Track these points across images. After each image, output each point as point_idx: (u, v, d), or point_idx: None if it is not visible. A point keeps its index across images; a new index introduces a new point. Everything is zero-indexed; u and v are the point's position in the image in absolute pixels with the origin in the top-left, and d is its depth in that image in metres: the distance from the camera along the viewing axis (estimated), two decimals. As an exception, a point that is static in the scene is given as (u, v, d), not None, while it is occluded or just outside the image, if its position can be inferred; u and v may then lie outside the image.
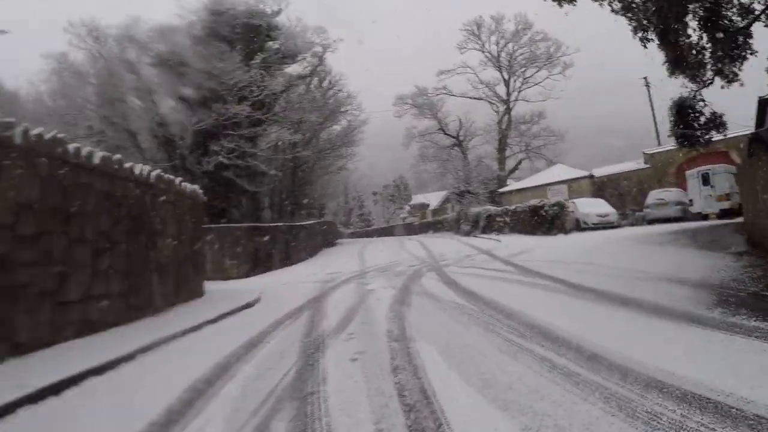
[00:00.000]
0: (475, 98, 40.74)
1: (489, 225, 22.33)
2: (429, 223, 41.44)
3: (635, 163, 26.37)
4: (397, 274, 11.37)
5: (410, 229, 49.10)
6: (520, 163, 40.20)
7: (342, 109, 28.80)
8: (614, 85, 76.88)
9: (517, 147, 40.46)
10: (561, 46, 37.21)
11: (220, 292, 10.26)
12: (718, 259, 7.65)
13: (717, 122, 10.14)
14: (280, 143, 23.88)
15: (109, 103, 19.11)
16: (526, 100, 40.12)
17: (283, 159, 24.98)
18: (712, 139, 10.59)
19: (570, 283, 7.01)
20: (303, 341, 5.31)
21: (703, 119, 10.20)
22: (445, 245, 18.95)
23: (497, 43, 39.38)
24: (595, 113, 63.44)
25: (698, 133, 10.12)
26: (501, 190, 32.83)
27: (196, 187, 10.40)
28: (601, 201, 21.70)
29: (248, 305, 8.57)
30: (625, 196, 24.90)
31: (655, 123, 27.98)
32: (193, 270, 9.57)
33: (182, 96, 19.86)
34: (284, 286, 12.06)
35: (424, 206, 64.54)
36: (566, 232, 18.99)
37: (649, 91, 28.33)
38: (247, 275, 15.47)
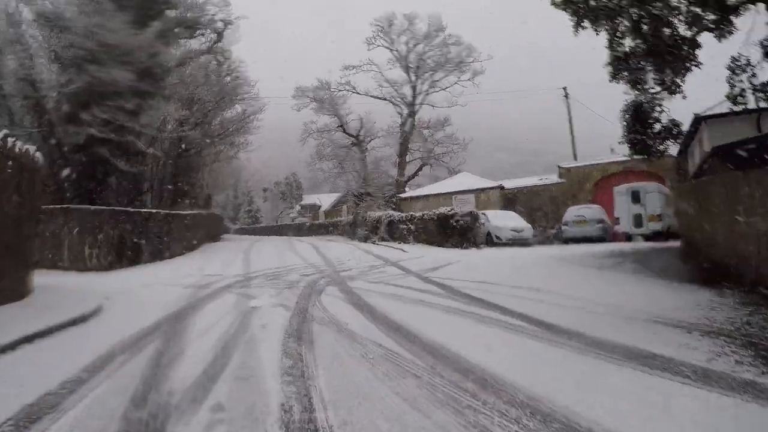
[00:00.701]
0: (379, 98, 39.13)
1: (390, 232, 20.53)
2: (321, 225, 38.95)
3: (547, 178, 26.33)
4: (290, 285, 8.97)
5: (300, 230, 46.17)
6: (420, 169, 39.29)
7: (238, 96, 25.56)
8: (525, 98, 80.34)
9: (418, 153, 39.54)
10: (473, 51, 36.92)
11: (57, 292, 7.61)
12: (692, 293, 6.31)
13: (674, 131, 9.13)
14: (165, 122, 20.27)
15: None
16: (432, 105, 39.30)
17: (170, 139, 21.23)
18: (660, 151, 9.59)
19: (536, 320, 5.11)
20: (125, 418, 2.79)
21: (658, 126, 9.13)
22: (343, 251, 16.72)
23: (407, 43, 38.23)
24: (501, 124, 65.35)
25: (650, 141, 9.01)
26: (402, 195, 31.40)
27: (31, 148, 7.31)
28: (513, 214, 20.89)
29: (81, 319, 5.90)
30: (536, 212, 24.62)
31: (572, 136, 28.31)
32: (12, 261, 6.54)
33: (57, 53, 16.47)
34: (145, 288, 9.26)
35: (315, 207, 62.04)
36: (477, 246, 17.76)
37: (568, 102, 28.65)
38: (109, 268, 12.39)
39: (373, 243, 20.65)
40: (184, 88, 20.00)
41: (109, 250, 12.47)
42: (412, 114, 38.92)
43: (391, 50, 38.49)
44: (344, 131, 39.18)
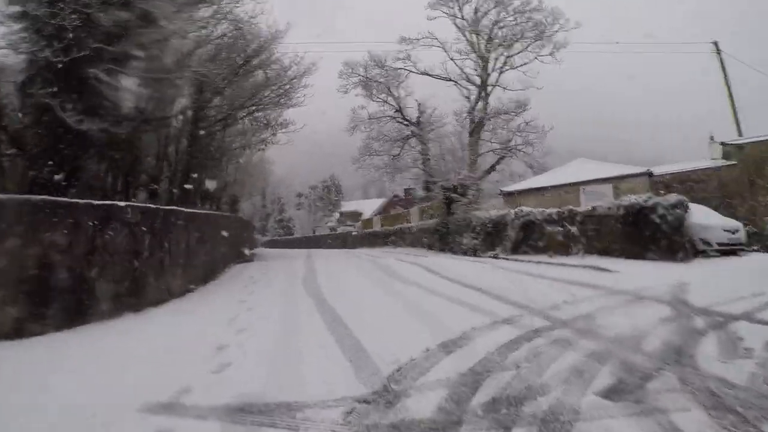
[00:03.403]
0: (442, 78, 31.60)
1: (528, 239, 12.99)
2: (376, 234, 31.66)
3: (713, 161, 18.51)
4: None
5: (346, 241, 38.97)
6: (498, 162, 31.54)
7: (273, 54, 18.26)
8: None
9: (490, 144, 31.89)
10: (558, 17, 29.19)
11: None
12: None
13: None
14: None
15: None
16: (503, 87, 31.75)
17: (183, 114, 14.29)
18: None
19: None
20: None
21: None
22: (487, 277, 9.22)
23: (477, 11, 30.76)
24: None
25: None
26: (507, 189, 23.76)
27: None
28: (705, 209, 13.18)
29: None
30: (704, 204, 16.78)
31: (732, 103, 20.23)
32: None
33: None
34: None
35: (356, 215, 54.76)
36: (687, 255, 10.33)
37: (721, 60, 20.61)
38: (15, 335, 4.85)
39: (499, 257, 13.20)
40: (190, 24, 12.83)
41: (14, 293, 5.16)
42: (482, 97, 31.34)
43: (456, 19, 31.08)
44: (403, 117, 31.90)
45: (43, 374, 3.99)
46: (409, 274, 10.02)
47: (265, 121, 19.68)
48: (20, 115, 7.55)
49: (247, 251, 19.33)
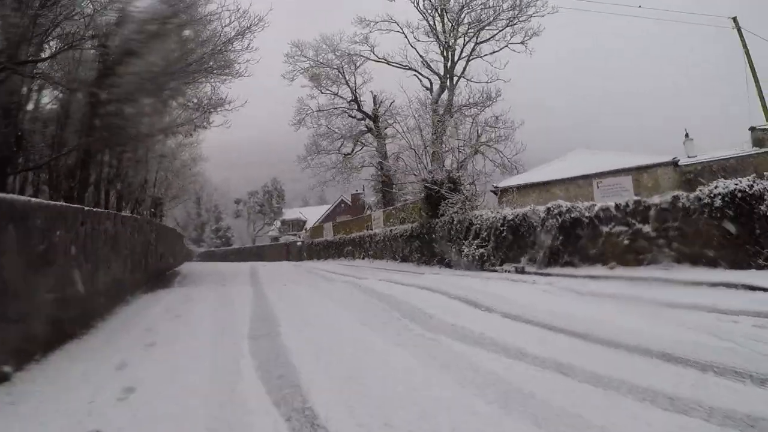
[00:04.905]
0: (402, 66, 28.16)
1: (573, 245, 9.35)
2: (329, 244, 27.37)
3: (743, 150, 15.90)
4: None
5: (290, 252, 34.40)
6: (465, 160, 28.21)
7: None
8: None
9: (455, 140, 28.54)
10: (532, 3, 26.34)
11: None
12: None
13: None
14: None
15: None
16: (468, 79, 28.59)
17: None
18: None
19: None
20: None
21: None
22: (584, 314, 5.43)
23: (442, -8, 27.45)
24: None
25: None
26: (502, 185, 20.10)
27: None
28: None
29: None
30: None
31: (758, 84, 17.59)
32: None
33: None
34: None
35: (299, 223, 50.21)
36: None
37: (742, 36, 17.95)
38: None
39: (522, 271, 9.55)
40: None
41: None
42: (447, 87, 28.06)
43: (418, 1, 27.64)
44: (358, 108, 28.00)
45: None
46: (448, 314, 5.67)
47: (194, 99, 15.08)
48: None
49: (167, 269, 14.65)
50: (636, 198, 8.70)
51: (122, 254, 8.25)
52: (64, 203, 5.69)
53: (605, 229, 8.80)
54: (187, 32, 12.64)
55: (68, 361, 4.35)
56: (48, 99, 10.48)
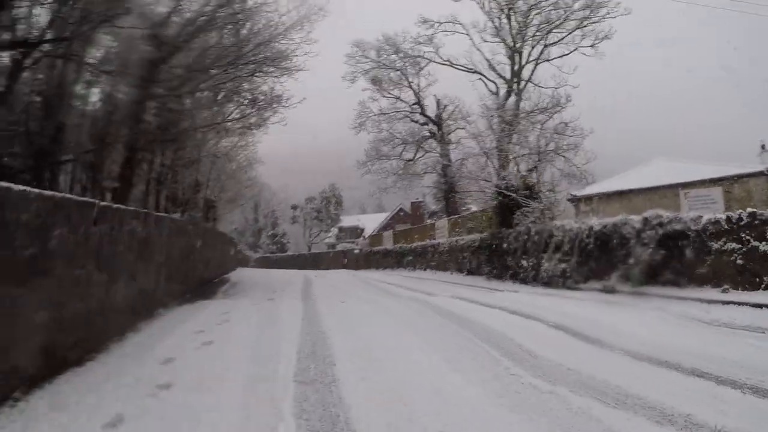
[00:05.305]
0: (466, 69, 27.12)
1: (676, 262, 8.03)
2: (387, 253, 26.65)
3: None
4: None
5: (348, 260, 34.03)
6: (535, 168, 26.82)
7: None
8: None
9: (520, 147, 27.14)
10: (604, 3, 24.62)
11: None
12: None
13: None
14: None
15: None
16: (535, 84, 27.12)
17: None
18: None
19: None
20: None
21: None
22: None
23: (508, -5, 26.23)
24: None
25: None
26: (580, 193, 18.76)
27: None
28: None
29: None
30: None
31: None
32: None
33: None
34: None
35: (357, 231, 49.87)
36: None
37: None
38: None
39: (612, 291, 8.35)
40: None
41: None
42: (516, 90, 26.72)
43: (485, 1, 26.55)
44: (421, 112, 27.22)
45: None
46: (554, 351, 4.57)
47: (250, 96, 14.70)
48: None
49: (214, 277, 14.25)
50: (750, 210, 7.33)
51: (154, 261, 7.37)
52: (65, 195, 4.78)
53: (715, 245, 7.47)
54: (240, 21, 12.08)
55: (47, 408, 3.31)
56: (96, 91, 10.21)
